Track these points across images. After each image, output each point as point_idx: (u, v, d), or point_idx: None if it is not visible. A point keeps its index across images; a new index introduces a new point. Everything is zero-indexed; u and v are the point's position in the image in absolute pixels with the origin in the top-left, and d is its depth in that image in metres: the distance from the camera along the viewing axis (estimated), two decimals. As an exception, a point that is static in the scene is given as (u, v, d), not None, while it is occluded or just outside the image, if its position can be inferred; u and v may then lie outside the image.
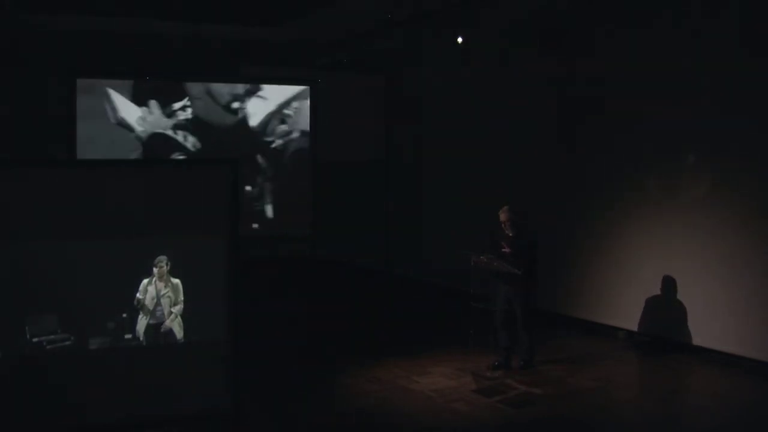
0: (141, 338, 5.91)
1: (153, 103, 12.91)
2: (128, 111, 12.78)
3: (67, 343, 5.72)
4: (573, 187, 10.07)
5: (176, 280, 5.95)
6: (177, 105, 13.08)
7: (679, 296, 8.59)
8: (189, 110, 13.16)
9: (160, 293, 5.91)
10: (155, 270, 5.89)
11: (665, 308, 8.76)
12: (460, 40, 10.55)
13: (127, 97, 12.74)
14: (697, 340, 8.42)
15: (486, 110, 11.59)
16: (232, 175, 6.12)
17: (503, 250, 7.69)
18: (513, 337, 7.86)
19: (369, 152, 14.25)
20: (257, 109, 13.66)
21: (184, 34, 11.56)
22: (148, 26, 11.18)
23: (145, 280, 5.88)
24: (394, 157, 14.21)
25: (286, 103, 13.92)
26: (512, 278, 7.62)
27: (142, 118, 12.83)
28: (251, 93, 13.65)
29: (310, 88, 13.94)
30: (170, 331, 5.98)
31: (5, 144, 11.46)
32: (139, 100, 12.81)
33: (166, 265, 5.90)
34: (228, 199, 6.11)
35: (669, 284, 8.69)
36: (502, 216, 7.75)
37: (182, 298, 5.96)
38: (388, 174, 14.33)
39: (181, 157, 12.86)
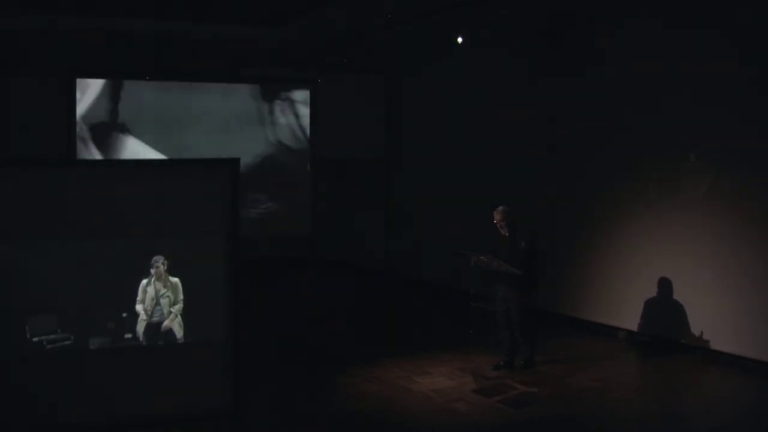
0: (141, 338, 5.91)
1: (155, 102, 12.92)
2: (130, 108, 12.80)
3: (67, 343, 5.72)
4: (573, 188, 10.07)
5: (175, 280, 5.95)
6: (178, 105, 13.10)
7: (679, 296, 8.59)
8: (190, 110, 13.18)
9: (159, 293, 5.91)
10: (152, 270, 5.89)
11: (665, 308, 8.75)
12: (460, 40, 10.54)
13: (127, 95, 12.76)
14: (697, 340, 8.42)
15: (486, 110, 11.59)
16: (232, 174, 6.12)
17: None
18: (514, 337, 7.86)
19: (369, 152, 14.25)
20: (257, 108, 13.67)
21: (185, 34, 11.55)
22: (148, 26, 11.17)
23: (144, 281, 5.88)
24: (394, 157, 14.21)
25: (286, 103, 13.93)
26: (510, 280, 7.62)
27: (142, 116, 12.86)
28: (251, 92, 13.66)
29: (310, 88, 13.95)
30: (170, 331, 5.98)
31: (4, 144, 11.46)
32: (139, 98, 12.83)
33: (163, 264, 5.89)
34: (228, 198, 6.11)
35: (669, 284, 8.69)
36: (497, 216, 7.75)
37: (182, 298, 5.96)
38: (388, 174, 14.33)
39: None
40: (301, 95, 14.01)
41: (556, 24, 9.91)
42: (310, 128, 13.99)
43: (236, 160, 6.24)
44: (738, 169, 8.12)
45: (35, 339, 5.63)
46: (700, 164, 8.51)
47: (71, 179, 5.84)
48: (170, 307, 5.95)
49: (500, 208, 7.79)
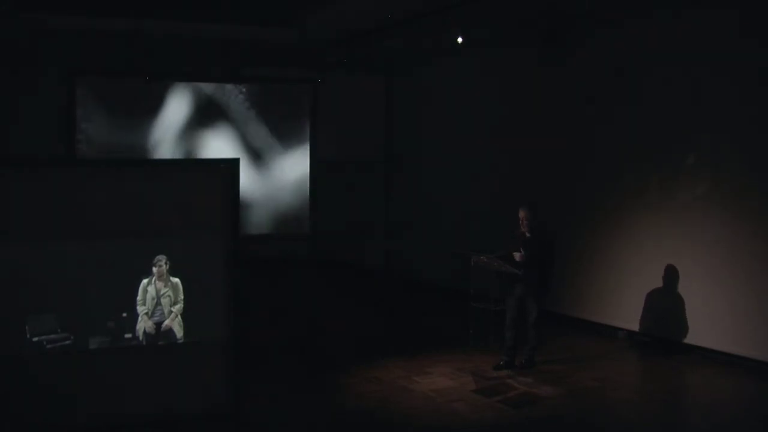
0: (141, 338, 5.91)
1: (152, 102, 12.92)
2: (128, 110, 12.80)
3: (67, 342, 5.72)
4: (573, 188, 10.07)
5: (176, 280, 5.96)
6: (179, 104, 13.10)
7: (679, 296, 8.58)
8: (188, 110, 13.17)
9: (159, 293, 5.91)
10: (154, 269, 5.89)
11: (665, 308, 8.75)
12: (460, 40, 10.55)
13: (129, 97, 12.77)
14: (697, 340, 8.42)
15: (486, 110, 11.59)
16: (232, 174, 6.12)
17: (514, 252, 7.70)
18: (520, 336, 7.86)
19: (369, 152, 14.25)
20: (257, 108, 13.67)
21: (185, 34, 11.55)
22: (148, 26, 11.16)
23: (145, 280, 5.89)
24: (394, 157, 14.21)
25: (286, 103, 13.94)
26: (528, 279, 7.63)
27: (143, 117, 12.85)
28: (251, 92, 13.66)
29: (310, 88, 13.95)
30: (170, 331, 5.98)
31: (4, 143, 11.45)
32: (140, 99, 12.84)
33: (165, 264, 5.90)
34: (228, 198, 6.11)
35: (669, 284, 8.69)
36: (521, 214, 7.78)
37: (182, 297, 5.97)
38: (388, 174, 14.33)
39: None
40: (301, 95, 14.01)
41: (556, 23, 9.91)
42: (310, 128, 13.98)
43: (236, 160, 6.25)
44: (737, 169, 8.12)
45: (35, 339, 5.63)
46: (699, 164, 8.51)
47: (72, 179, 5.85)
48: (171, 306, 5.95)
49: (524, 206, 7.82)
